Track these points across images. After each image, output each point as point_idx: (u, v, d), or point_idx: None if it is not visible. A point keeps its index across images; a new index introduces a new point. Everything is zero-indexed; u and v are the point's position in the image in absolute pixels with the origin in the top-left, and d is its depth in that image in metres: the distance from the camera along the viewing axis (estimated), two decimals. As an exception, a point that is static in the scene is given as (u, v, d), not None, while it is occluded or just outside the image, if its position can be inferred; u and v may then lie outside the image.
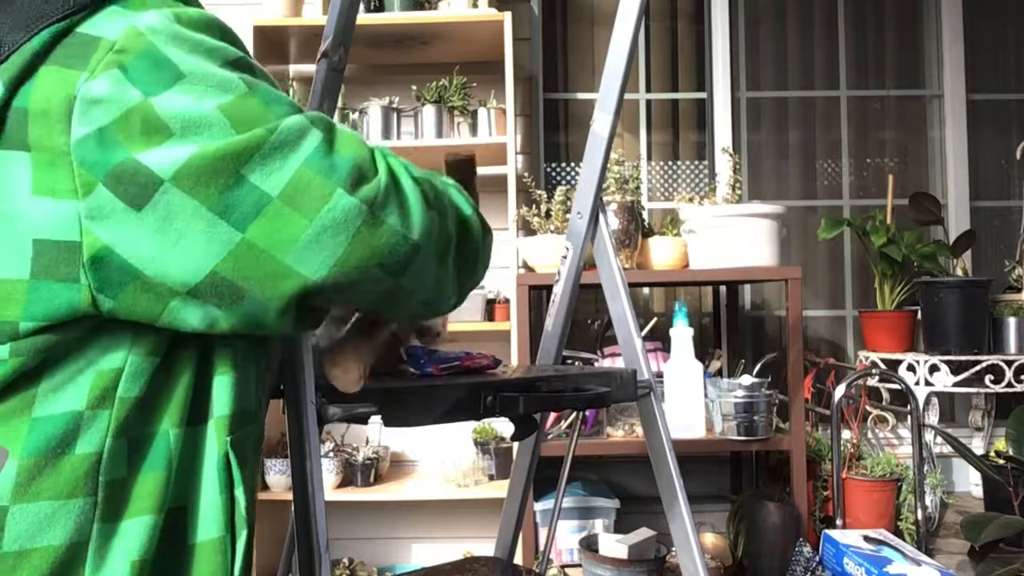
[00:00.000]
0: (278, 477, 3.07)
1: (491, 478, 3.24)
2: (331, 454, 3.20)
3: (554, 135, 3.85)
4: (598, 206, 1.70)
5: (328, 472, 3.16)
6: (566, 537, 3.06)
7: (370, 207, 0.86)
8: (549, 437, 2.96)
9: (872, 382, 3.42)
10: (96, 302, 0.81)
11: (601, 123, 1.70)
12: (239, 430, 0.94)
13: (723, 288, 3.60)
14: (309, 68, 3.60)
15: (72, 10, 0.83)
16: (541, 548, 3.01)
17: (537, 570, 2.04)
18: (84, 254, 0.80)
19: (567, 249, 1.72)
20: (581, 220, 1.70)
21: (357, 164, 0.87)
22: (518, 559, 2.95)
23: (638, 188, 3.11)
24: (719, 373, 3.36)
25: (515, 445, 2.21)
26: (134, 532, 0.84)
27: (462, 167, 1.22)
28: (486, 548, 2.07)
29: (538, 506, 2.99)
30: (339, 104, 3.23)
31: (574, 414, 2.92)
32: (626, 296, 1.65)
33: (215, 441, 0.92)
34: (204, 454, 0.92)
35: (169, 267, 0.81)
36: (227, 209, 0.81)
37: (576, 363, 3.07)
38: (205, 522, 0.91)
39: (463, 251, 1.04)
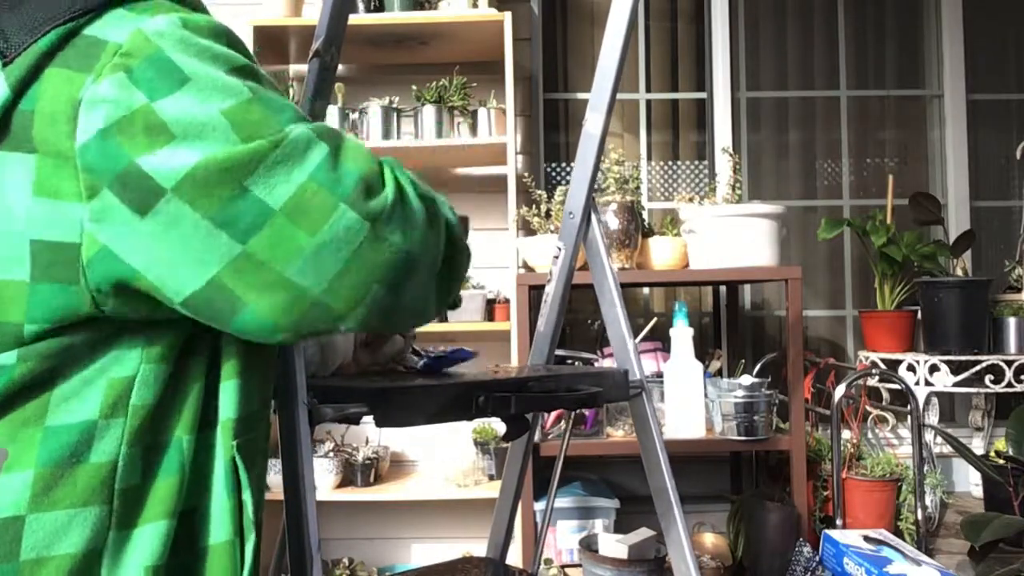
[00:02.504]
0: (277, 477, 3.06)
1: (491, 478, 3.24)
2: (331, 454, 3.20)
3: (554, 135, 3.85)
4: (590, 206, 1.70)
5: (328, 472, 3.16)
6: (566, 537, 3.06)
7: (373, 224, 0.86)
8: (549, 437, 2.96)
9: (872, 382, 3.42)
10: (97, 303, 0.82)
11: (593, 123, 1.70)
12: (245, 435, 0.94)
13: (723, 288, 3.60)
14: (309, 68, 3.60)
15: (78, 12, 0.83)
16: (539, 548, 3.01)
17: (530, 570, 2.03)
18: (83, 256, 0.80)
19: (559, 249, 1.72)
20: (573, 220, 1.70)
21: (363, 178, 0.87)
22: (519, 559, 2.95)
23: (638, 188, 3.11)
24: (719, 373, 3.36)
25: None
26: (148, 538, 0.85)
27: None
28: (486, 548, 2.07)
29: (538, 506, 2.99)
30: (339, 104, 3.24)
31: (574, 414, 2.93)
32: (618, 296, 1.65)
33: (222, 446, 0.92)
34: (213, 459, 0.92)
35: (168, 274, 0.82)
36: (229, 220, 0.81)
37: (576, 363, 3.07)
38: (215, 525, 0.92)
39: (451, 265, 1.03)
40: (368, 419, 1.20)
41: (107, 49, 0.81)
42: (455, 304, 1.16)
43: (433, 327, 3.18)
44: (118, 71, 0.80)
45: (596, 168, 1.70)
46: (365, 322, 0.90)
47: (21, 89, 0.80)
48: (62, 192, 0.79)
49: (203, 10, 0.94)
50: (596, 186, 3.06)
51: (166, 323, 0.87)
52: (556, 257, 1.73)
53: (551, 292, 1.75)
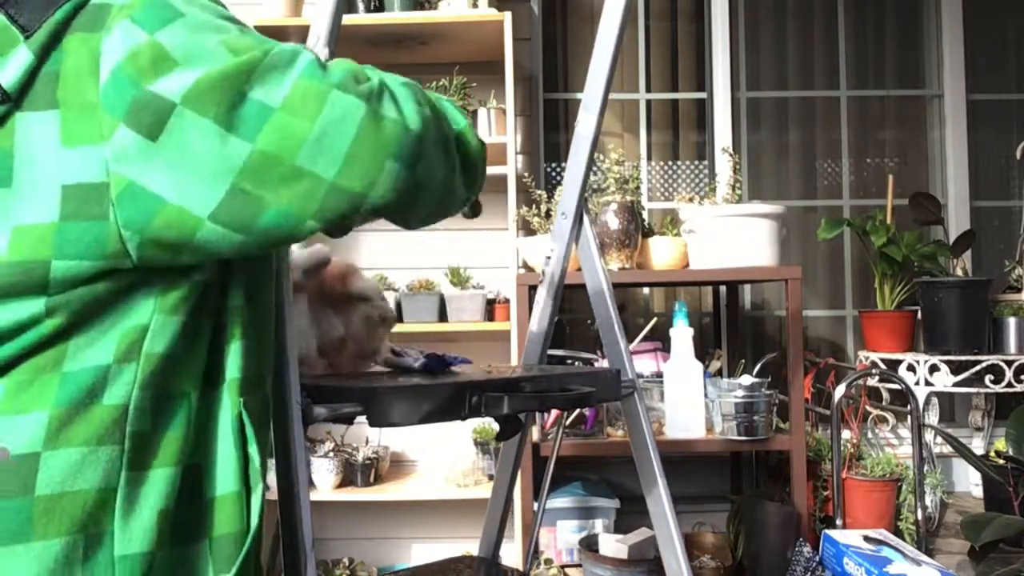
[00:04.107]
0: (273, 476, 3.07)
1: (491, 478, 3.24)
2: (331, 454, 3.21)
3: (554, 135, 3.85)
4: (582, 207, 1.71)
5: (328, 472, 3.17)
6: (566, 537, 3.06)
7: (367, 101, 0.91)
8: (549, 437, 2.97)
9: (872, 382, 3.42)
10: (123, 239, 0.87)
11: (585, 123, 1.71)
12: (250, 394, 1.00)
13: (723, 288, 3.60)
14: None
15: None
16: (540, 548, 3.01)
17: (522, 569, 2.04)
18: (112, 192, 0.86)
19: (551, 250, 1.73)
20: (565, 221, 1.70)
21: (350, 71, 0.94)
22: (518, 559, 2.96)
23: (638, 188, 3.11)
24: (719, 373, 3.36)
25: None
26: (159, 482, 0.91)
27: None
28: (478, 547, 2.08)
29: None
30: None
31: (575, 413, 2.93)
32: (610, 297, 1.66)
33: (229, 403, 0.98)
34: (219, 415, 0.98)
35: (191, 191, 0.87)
36: (235, 124, 0.87)
37: (576, 363, 3.07)
38: (222, 478, 0.97)
39: (463, 154, 1.11)
40: (363, 418, 1.21)
41: (112, 9, 0.90)
42: (476, 210, 1.31)
43: (433, 327, 3.19)
44: (123, 19, 0.88)
45: (589, 169, 1.71)
46: (388, 201, 0.95)
47: (43, 54, 0.88)
48: (87, 137, 0.86)
49: None
50: (596, 186, 3.08)
51: (179, 275, 0.93)
52: (548, 258, 1.73)
53: (543, 293, 1.76)
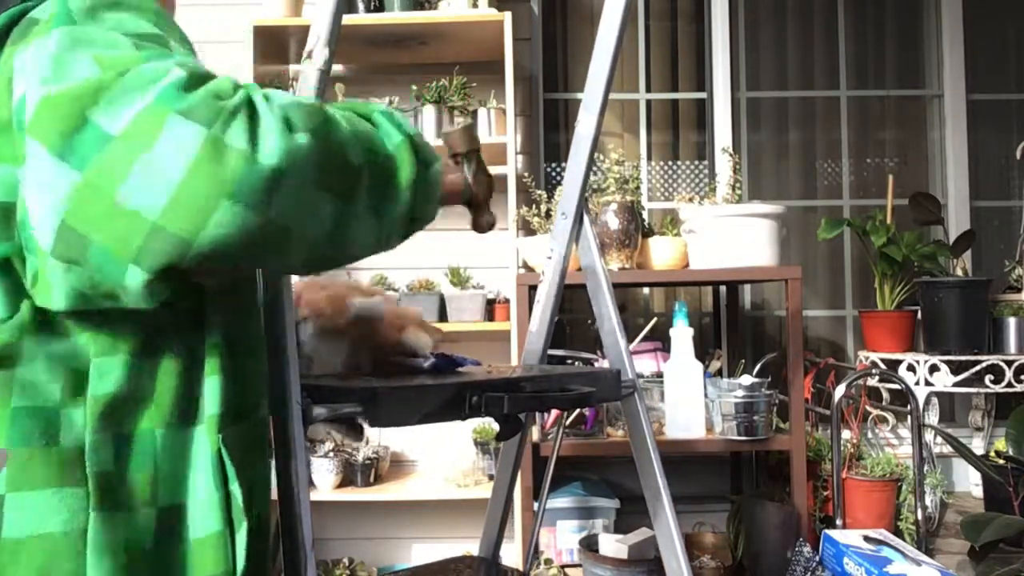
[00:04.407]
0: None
1: (491, 478, 3.24)
2: (331, 454, 3.20)
3: (554, 135, 3.85)
4: (582, 207, 1.71)
5: (328, 472, 3.17)
6: (566, 537, 3.06)
7: (209, 128, 0.77)
8: (549, 437, 2.97)
9: (872, 382, 3.42)
10: (25, 261, 0.86)
11: (585, 124, 1.71)
12: (232, 426, 0.96)
13: (723, 288, 3.60)
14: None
15: None
16: (540, 548, 3.01)
17: (522, 569, 2.04)
18: (17, 215, 0.85)
19: (552, 250, 1.73)
20: (566, 221, 1.70)
21: (214, 91, 0.81)
22: (518, 559, 2.96)
23: (638, 188, 3.11)
24: (719, 373, 3.36)
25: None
26: (132, 523, 0.88)
27: (460, 138, 1.23)
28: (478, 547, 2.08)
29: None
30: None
31: (575, 414, 2.93)
32: (611, 297, 1.65)
33: (207, 440, 0.93)
34: (195, 454, 0.94)
35: (38, 223, 0.81)
36: (69, 151, 0.77)
37: (576, 363, 3.07)
38: (202, 519, 0.93)
39: (383, 185, 0.96)
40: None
41: (38, 24, 0.86)
42: (481, 224, 1.29)
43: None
44: (39, 36, 0.84)
45: (589, 169, 1.71)
46: (225, 247, 0.80)
47: None
48: (3, 155, 0.85)
49: None
50: (596, 186, 3.08)
51: (107, 320, 0.89)
52: (549, 258, 1.73)
53: (544, 293, 1.76)
